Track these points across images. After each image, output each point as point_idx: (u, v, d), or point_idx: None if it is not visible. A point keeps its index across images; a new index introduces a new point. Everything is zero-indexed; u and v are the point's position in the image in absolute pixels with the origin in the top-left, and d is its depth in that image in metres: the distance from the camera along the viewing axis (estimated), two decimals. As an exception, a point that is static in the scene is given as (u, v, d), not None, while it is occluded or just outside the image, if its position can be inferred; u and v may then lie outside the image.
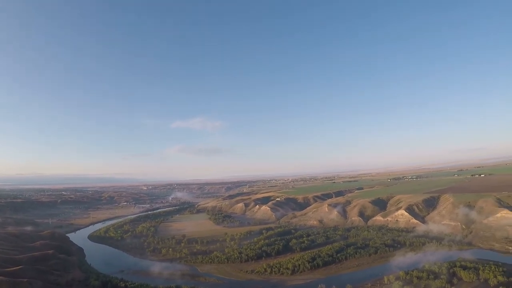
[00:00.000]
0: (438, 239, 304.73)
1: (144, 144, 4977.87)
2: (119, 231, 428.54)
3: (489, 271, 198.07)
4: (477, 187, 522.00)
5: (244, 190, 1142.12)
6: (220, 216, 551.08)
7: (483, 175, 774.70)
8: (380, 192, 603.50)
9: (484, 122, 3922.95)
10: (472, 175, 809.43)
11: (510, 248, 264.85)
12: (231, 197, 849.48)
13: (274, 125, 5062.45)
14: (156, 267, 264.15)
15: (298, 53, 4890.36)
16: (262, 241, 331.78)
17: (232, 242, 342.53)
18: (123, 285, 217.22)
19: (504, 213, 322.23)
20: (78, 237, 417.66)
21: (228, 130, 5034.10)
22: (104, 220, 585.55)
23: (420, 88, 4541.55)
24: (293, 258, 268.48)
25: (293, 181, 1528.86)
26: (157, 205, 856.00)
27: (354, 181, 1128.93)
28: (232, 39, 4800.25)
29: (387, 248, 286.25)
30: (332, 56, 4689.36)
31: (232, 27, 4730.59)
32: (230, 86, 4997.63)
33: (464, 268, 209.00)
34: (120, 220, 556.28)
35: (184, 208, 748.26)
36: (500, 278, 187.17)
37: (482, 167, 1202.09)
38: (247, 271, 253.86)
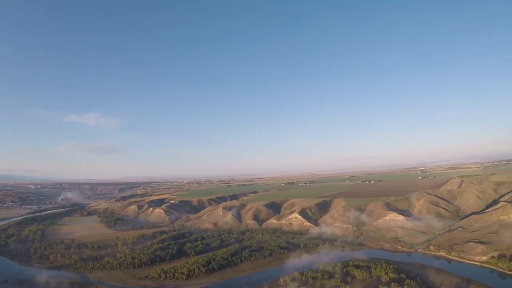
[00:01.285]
0: (331, 241, 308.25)
1: (33, 137, 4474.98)
2: (2, 235, 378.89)
3: (381, 268, 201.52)
4: (367, 192, 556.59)
5: (138, 192, 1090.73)
6: (112, 219, 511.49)
7: (372, 181, 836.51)
8: (275, 196, 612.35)
9: (380, 134, 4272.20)
10: (362, 181, 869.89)
11: (399, 247, 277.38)
12: (124, 198, 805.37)
13: (170, 126, 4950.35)
14: (43, 276, 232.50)
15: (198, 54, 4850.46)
16: (156, 245, 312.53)
17: (124, 247, 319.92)
18: None
19: (392, 216, 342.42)
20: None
21: (124, 128, 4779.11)
22: None
23: (316, 93, 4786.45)
24: (188, 263, 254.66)
25: (188, 184, 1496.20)
26: (46, 206, 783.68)
27: (250, 184, 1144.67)
28: (140, 30, 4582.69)
29: (282, 250, 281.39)
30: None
31: (143, 15, 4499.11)
32: (130, 83, 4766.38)
33: (357, 267, 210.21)
34: (4, 222, 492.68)
35: (75, 210, 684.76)
36: (392, 274, 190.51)
37: (372, 174, 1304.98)
38: (140, 277, 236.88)
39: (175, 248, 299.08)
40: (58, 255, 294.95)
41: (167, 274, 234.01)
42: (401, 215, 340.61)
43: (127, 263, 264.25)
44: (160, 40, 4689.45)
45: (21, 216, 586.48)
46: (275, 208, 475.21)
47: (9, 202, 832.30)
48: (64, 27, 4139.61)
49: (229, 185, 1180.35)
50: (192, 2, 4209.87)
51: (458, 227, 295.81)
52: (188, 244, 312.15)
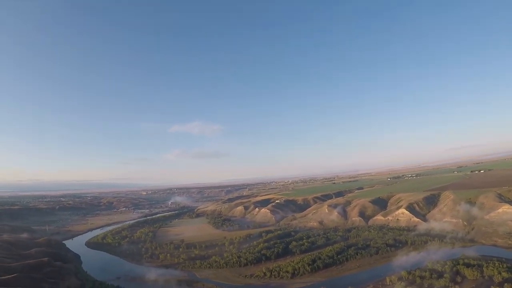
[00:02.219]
0: (440, 237, 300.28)
1: (142, 149, 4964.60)
2: (116, 237, 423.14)
3: (493, 267, 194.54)
4: (477, 183, 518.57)
5: (244, 193, 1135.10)
6: (220, 219, 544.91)
7: (482, 171, 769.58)
8: (380, 191, 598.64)
9: (481, 120, 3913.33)
10: (471, 172, 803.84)
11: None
12: (230, 200, 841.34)
13: (273, 128, 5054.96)
14: (153, 274, 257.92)
15: (295, 58, 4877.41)
16: (261, 244, 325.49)
17: (231, 246, 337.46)
18: None
19: (505, 208, 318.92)
20: (75, 244, 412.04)
21: (226, 133, 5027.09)
22: (102, 226, 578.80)
23: (417, 89, 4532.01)
24: (293, 261, 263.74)
25: (293, 183, 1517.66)
26: (156, 210, 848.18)
27: (354, 181, 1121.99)
28: (232, 44, 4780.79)
29: (388, 248, 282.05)
30: (331, 57, 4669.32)
31: (233, 33, 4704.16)
32: (228, 90, 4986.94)
33: (468, 265, 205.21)
34: (118, 226, 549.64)
35: (184, 212, 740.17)
36: (505, 274, 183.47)
37: (482, 163, 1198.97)
38: (246, 276, 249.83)
39: (280, 247, 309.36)
40: (168, 254, 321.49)
41: (272, 273, 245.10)
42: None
43: (233, 262, 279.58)
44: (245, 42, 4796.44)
45: (133, 219, 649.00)
46: (381, 204, 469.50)
47: (123, 208, 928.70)
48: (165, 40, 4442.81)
49: (334, 183, 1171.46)
50: None
51: None
52: (294, 243, 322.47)
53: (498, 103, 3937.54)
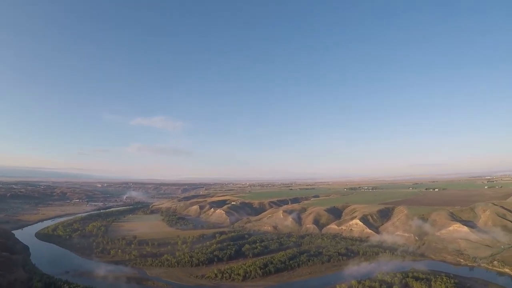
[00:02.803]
0: (391, 250, 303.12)
1: (102, 139, 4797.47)
2: (68, 230, 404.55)
3: (441, 282, 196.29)
4: (430, 200, 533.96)
5: (201, 193, 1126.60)
6: (174, 218, 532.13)
7: (437, 190, 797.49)
8: (336, 200, 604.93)
9: (440, 139, 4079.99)
10: (426, 189, 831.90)
11: (462, 260, 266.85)
12: (186, 198, 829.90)
13: (234, 129, 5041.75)
14: (103, 269, 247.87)
15: (267, 60, 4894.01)
16: (215, 245, 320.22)
17: (183, 246, 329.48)
18: (66, 287, 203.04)
19: (456, 226, 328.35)
20: (25, 235, 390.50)
21: (188, 130, 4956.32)
22: (54, 217, 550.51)
23: (382, 102, 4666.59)
24: (245, 264, 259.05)
25: (250, 186, 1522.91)
26: (111, 204, 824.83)
27: (311, 188, 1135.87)
28: (203, 44, 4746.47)
29: (340, 256, 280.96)
30: (295, 60, 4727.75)
31: (207, 32, 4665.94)
32: (196, 87, 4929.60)
33: (417, 279, 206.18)
34: (70, 218, 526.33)
35: (138, 208, 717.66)
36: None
37: (437, 181, 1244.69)
38: (197, 276, 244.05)
39: (233, 249, 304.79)
40: (119, 250, 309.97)
41: (224, 275, 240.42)
42: (465, 226, 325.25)
43: (185, 262, 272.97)
44: (222, 42, 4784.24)
45: (86, 212, 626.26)
46: (336, 213, 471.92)
47: (76, 199, 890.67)
48: (131, 30, 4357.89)
49: (291, 189, 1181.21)
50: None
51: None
52: (247, 246, 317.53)
53: (457, 125, 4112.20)
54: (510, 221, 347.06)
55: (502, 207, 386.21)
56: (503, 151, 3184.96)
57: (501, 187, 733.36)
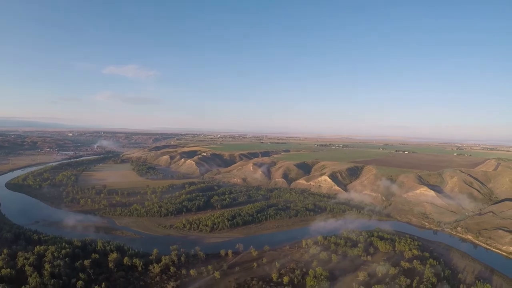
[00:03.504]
0: (358, 208, 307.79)
1: (73, 88, 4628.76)
2: (38, 179, 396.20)
3: (405, 243, 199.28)
4: (400, 162, 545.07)
5: (172, 143, 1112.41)
6: (144, 167, 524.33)
7: (406, 152, 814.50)
8: (306, 156, 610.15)
9: (414, 104, 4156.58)
10: (396, 151, 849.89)
11: (426, 223, 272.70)
12: (157, 148, 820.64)
13: (207, 80, 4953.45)
14: (72, 219, 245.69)
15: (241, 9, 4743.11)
16: (184, 195, 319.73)
17: (153, 195, 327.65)
18: (36, 237, 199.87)
19: (423, 190, 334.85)
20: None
21: (161, 80, 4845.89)
22: (24, 167, 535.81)
23: (358, 59, 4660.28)
24: (213, 215, 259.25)
25: (222, 138, 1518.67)
26: (81, 153, 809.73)
27: (282, 143, 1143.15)
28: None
29: (308, 212, 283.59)
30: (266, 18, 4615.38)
31: None
32: (169, 36, 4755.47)
33: (382, 238, 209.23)
34: (41, 167, 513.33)
35: (109, 157, 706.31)
36: (415, 251, 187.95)
37: (407, 144, 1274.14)
38: (165, 226, 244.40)
39: (202, 200, 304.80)
40: (89, 199, 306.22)
41: (192, 225, 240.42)
42: (432, 191, 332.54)
43: (154, 211, 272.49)
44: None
45: (57, 161, 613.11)
46: (306, 168, 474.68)
47: (47, 148, 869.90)
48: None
49: (262, 142, 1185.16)
50: None
51: (489, 212, 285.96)
52: (215, 197, 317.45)
53: (433, 91, 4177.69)
54: (476, 189, 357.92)
55: (470, 175, 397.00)
56: (475, 121, 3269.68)
57: (470, 155, 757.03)
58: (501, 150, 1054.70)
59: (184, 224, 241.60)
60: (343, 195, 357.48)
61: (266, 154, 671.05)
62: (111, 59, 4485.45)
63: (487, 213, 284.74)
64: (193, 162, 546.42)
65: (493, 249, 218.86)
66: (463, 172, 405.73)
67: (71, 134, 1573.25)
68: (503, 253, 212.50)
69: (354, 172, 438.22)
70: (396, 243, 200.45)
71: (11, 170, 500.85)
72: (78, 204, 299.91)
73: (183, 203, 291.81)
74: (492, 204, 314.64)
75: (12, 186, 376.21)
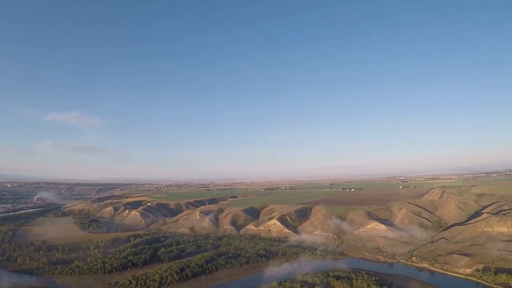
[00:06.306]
0: (311, 249, 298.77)
1: (12, 136, 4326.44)
2: None
3: (362, 280, 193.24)
4: (347, 200, 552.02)
5: (116, 193, 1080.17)
6: (87, 220, 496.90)
7: (353, 189, 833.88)
8: (254, 201, 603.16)
9: (355, 143, 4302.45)
10: (343, 189, 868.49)
11: (381, 257, 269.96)
12: (100, 200, 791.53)
13: (151, 129, 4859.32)
14: (5, 281, 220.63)
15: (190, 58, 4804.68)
16: (129, 249, 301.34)
17: (96, 250, 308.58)
18: None
19: (374, 225, 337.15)
20: None
21: (106, 128, 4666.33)
22: None
23: (298, 105, 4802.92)
24: (161, 269, 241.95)
25: (167, 186, 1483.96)
26: (21, 206, 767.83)
27: (229, 189, 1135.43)
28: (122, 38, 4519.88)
29: (259, 258, 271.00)
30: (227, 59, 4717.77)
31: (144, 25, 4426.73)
32: (114, 83, 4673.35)
33: (338, 277, 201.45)
34: None
35: (49, 210, 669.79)
36: (374, 286, 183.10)
37: (352, 182, 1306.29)
38: (110, 284, 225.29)
39: (148, 253, 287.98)
40: (27, 257, 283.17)
41: (138, 281, 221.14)
42: (382, 224, 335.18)
43: (98, 268, 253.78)
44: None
45: None
46: (254, 213, 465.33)
47: None
48: (48, 19, 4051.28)
49: (208, 189, 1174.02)
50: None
51: (441, 238, 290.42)
52: (162, 249, 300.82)
53: (371, 129, 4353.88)
54: (425, 218, 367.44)
55: (417, 206, 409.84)
56: (416, 154, 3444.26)
57: (415, 187, 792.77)
58: (443, 178, 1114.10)
59: (130, 281, 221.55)
60: (294, 238, 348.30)
61: (213, 201, 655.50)
62: (52, 105, 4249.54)
63: (439, 239, 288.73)
64: (138, 213, 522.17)
65: (451, 274, 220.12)
66: (410, 203, 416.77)
67: (10, 185, 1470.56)
68: (460, 275, 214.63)
69: (303, 214, 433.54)
70: (353, 281, 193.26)
71: None
72: (15, 263, 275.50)
73: (128, 258, 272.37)
74: (442, 231, 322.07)
75: None
